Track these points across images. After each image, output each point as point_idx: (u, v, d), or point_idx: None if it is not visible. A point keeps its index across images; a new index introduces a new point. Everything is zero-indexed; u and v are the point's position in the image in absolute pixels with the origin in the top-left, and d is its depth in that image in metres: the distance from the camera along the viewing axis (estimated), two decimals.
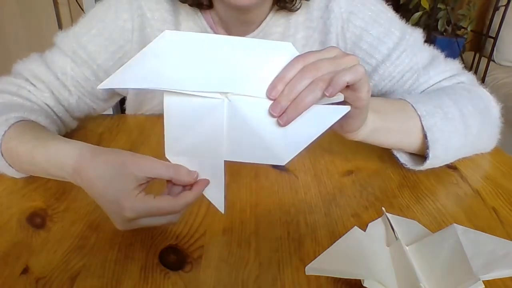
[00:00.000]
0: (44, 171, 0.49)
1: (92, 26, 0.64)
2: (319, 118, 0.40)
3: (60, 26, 1.83)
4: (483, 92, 0.63)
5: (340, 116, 0.41)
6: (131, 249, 0.43)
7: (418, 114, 0.54)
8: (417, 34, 0.67)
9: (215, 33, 0.68)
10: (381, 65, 0.66)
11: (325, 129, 0.40)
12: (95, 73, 0.65)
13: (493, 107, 0.62)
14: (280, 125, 0.39)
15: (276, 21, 0.68)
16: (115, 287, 0.38)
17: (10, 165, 0.53)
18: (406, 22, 0.70)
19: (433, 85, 0.65)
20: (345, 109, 0.41)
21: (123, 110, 0.84)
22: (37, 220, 0.47)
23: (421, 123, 0.54)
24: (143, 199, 0.40)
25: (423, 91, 0.65)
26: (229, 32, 0.68)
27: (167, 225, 0.46)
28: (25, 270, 0.40)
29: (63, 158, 0.45)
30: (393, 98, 0.59)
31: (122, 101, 0.80)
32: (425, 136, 0.54)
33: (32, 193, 0.52)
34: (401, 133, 0.55)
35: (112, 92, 0.72)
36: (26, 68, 0.64)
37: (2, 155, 0.52)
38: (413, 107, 0.55)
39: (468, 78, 0.67)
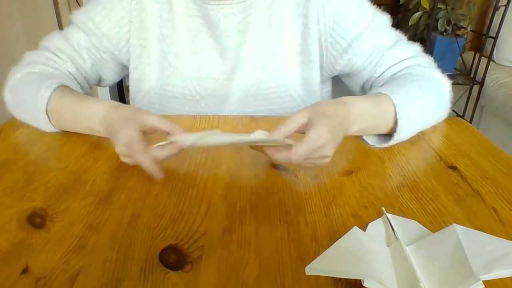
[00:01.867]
0: (81, 122, 0.64)
1: (99, 3, 0.77)
2: None
3: (60, 26, 1.83)
4: (436, 73, 0.72)
5: None
6: (131, 249, 0.43)
7: (393, 104, 0.62)
8: (386, 18, 0.77)
9: None
10: (354, 41, 0.74)
11: None
12: (100, 40, 0.78)
13: (444, 86, 0.72)
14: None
15: None
16: (115, 287, 0.38)
17: (50, 122, 0.67)
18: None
19: (395, 63, 0.74)
20: None
21: None
22: (37, 220, 0.47)
23: (395, 110, 0.62)
24: (139, 134, 0.54)
25: (388, 68, 0.74)
26: None
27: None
28: (25, 270, 0.40)
29: (96, 110, 0.61)
30: (372, 93, 0.66)
31: (123, 101, 0.82)
32: (395, 122, 0.63)
33: (32, 193, 0.52)
34: (380, 126, 0.64)
35: (116, 60, 0.82)
36: (50, 42, 0.78)
37: (46, 113, 0.65)
38: (389, 97, 0.63)
39: (425, 60, 0.75)
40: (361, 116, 0.60)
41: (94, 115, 0.61)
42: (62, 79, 0.70)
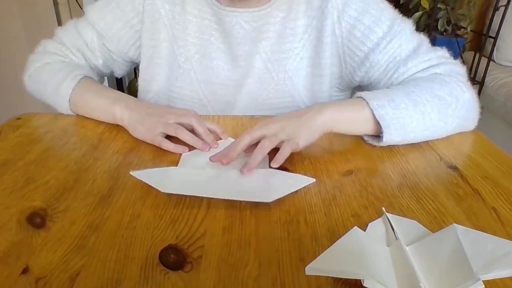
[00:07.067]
0: (101, 101, 0.70)
1: (112, 0, 0.79)
2: (294, 180, 0.55)
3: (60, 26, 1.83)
4: (451, 80, 0.67)
5: (307, 184, 0.54)
6: (131, 249, 0.43)
7: (370, 108, 0.61)
8: (405, 24, 0.73)
9: (219, 4, 0.75)
10: (371, 53, 0.72)
11: (296, 189, 0.53)
12: (111, 42, 0.81)
13: (463, 92, 0.66)
14: (244, 173, 0.54)
15: (280, 6, 0.75)
16: (115, 287, 0.38)
17: (69, 107, 0.73)
18: None
19: (410, 75, 0.71)
20: (311, 180, 0.55)
21: None
22: (37, 220, 0.47)
23: (373, 113, 0.61)
24: None
25: (401, 81, 0.71)
26: (232, 3, 0.74)
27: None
28: (25, 270, 0.40)
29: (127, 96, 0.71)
30: (353, 98, 0.65)
31: None
32: (379, 124, 0.61)
33: (32, 193, 0.52)
34: (359, 121, 0.62)
35: (127, 59, 0.85)
36: (66, 39, 0.82)
37: (69, 100, 0.72)
38: (367, 103, 0.62)
39: (445, 69, 0.70)
40: (327, 106, 0.61)
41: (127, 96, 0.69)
42: (86, 71, 0.77)
